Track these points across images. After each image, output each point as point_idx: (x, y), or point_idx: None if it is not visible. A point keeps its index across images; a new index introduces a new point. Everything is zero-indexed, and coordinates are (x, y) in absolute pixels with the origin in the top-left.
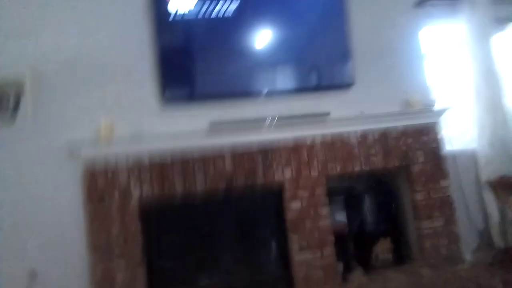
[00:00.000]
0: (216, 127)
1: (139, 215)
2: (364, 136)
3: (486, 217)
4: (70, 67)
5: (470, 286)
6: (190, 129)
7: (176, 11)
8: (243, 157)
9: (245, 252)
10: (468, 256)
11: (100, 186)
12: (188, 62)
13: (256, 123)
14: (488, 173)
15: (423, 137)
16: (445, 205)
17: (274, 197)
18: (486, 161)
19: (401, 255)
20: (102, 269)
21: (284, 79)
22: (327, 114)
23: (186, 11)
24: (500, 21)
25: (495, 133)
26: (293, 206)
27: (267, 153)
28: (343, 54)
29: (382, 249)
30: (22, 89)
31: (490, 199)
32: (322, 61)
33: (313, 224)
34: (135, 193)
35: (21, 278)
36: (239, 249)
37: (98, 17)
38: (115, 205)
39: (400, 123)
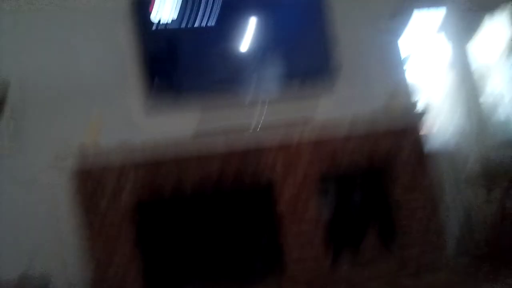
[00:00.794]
0: (200, 134)
1: (128, 217)
2: (347, 138)
3: (468, 214)
4: (53, 86)
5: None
6: (176, 135)
7: (159, 21)
8: (230, 157)
9: (234, 247)
10: (449, 251)
11: (91, 194)
12: (171, 69)
13: (242, 128)
14: (468, 169)
15: (406, 138)
16: (427, 202)
17: (263, 197)
18: (465, 158)
19: (388, 239)
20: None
21: (267, 84)
22: (310, 117)
23: (169, 21)
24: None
25: (474, 130)
26: (283, 202)
27: (253, 154)
28: (325, 58)
29: (368, 242)
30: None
31: (471, 195)
32: (305, 66)
33: (303, 218)
34: (125, 198)
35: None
36: (228, 244)
37: (79, 34)
38: (104, 207)
39: (382, 125)
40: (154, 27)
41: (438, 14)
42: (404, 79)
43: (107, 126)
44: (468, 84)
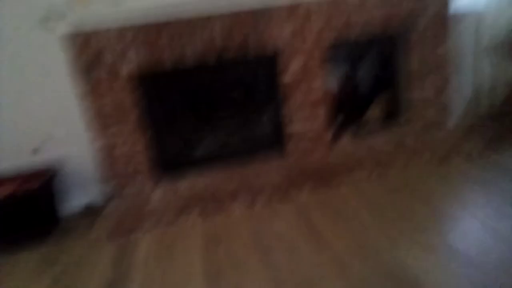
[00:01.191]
0: None
1: (130, 86)
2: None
3: (478, 83)
4: None
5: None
6: None
7: None
8: (235, 19)
9: (238, 121)
10: (451, 123)
11: (85, 57)
12: None
13: None
14: (491, 36)
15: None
16: (439, 72)
17: (269, 66)
18: (491, 23)
19: (391, 119)
20: (102, 144)
21: None
22: None
23: None
24: None
25: None
26: (290, 71)
27: (260, 15)
28: None
29: (372, 116)
30: None
31: (486, 64)
32: None
33: (308, 89)
34: (123, 65)
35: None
36: (232, 117)
37: None
38: (104, 76)
39: None
40: None
41: None
42: None
43: None
44: None
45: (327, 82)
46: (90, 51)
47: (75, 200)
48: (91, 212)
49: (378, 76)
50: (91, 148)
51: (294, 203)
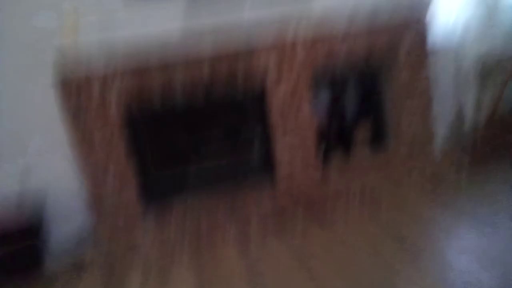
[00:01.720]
0: (187, 32)
1: (119, 125)
2: (347, 31)
3: (460, 108)
4: None
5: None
6: (160, 32)
7: None
8: (222, 59)
9: (228, 148)
10: (435, 147)
11: (75, 97)
12: None
13: (232, 25)
14: (472, 57)
15: (409, 30)
16: (422, 98)
17: (257, 94)
18: (469, 52)
19: (379, 140)
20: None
21: None
22: (306, 12)
23: None
24: None
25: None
26: (277, 98)
27: (248, 53)
28: None
29: (359, 139)
30: None
31: (468, 90)
32: None
33: (296, 116)
34: (113, 103)
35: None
36: (221, 146)
37: None
38: (94, 115)
39: (382, 20)
40: None
41: None
42: None
43: (84, 24)
44: None
45: (313, 109)
46: (79, 97)
47: (62, 238)
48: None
49: (362, 102)
50: (78, 183)
51: (287, 244)
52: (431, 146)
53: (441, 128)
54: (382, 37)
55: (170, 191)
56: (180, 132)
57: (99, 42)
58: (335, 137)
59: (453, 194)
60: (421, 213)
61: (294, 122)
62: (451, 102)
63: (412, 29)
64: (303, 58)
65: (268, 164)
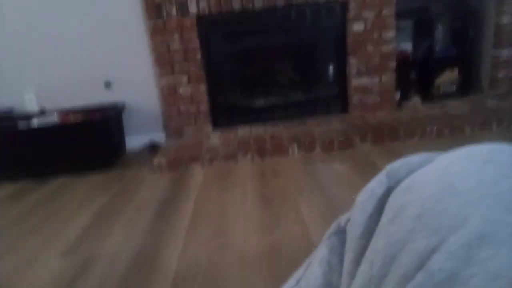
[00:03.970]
0: None
1: (197, 32)
2: None
3: None
4: None
5: None
6: None
7: None
8: None
9: (302, 73)
10: None
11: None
12: None
13: None
14: None
15: None
16: None
17: (337, 17)
18: None
19: (467, 87)
20: (167, 83)
21: None
22: None
23: None
24: None
25: None
26: (356, 28)
27: None
28: None
29: (447, 79)
30: None
31: None
32: None
33: (375, 48)
34: (192, 7)
35: (98, 86)
36: (296, 69)
37: None
38: (173, 20)
39: None
40: None
41: None
42: None
43: None
44: None
45: (398, 40)
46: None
47: (140, 136)
48: (153, 147)
49: (457, 36)
50: (156, 88)
51: (356, 150)
52: None
53: None
54: None
55: (242, 108)
56: (254, 66)
57: None
58: (422, 73)
59: None
60: None
61: (378, 46)
62: None
63: None
64: None
65: (344, 88)
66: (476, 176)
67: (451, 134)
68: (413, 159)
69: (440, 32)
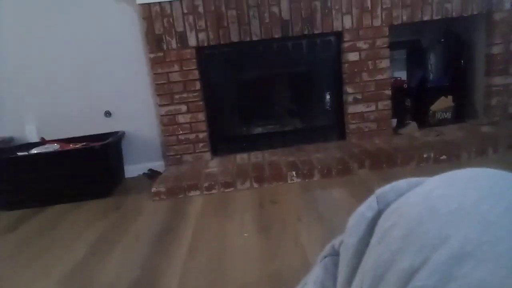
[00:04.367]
0: None
1: (196, 63)
2: None
3: None
4: None
5: None
6: None
7: None
8: (300, 2)
9: (299, 102)
10: None
11: (158, 30)
12: None
13: None
14: None
15: None
16: None
17: (332, 48)
18: None
19: (461, 115)
20: (166, 112)
21: None
22: None
23: None
24: None
25: None
26: (351, 58)
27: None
28: None
29: (441, 107)
30: None
31: None
32: None
33: (371, 77)
34: (192, 39)
35: (98, 116)
36: (293, 98)
37: None
38: (173, 52)
39: None
40: None
41: None
42: None
43: None
44: None
45: (392, 70)
46: (162, 28)
47: (139, 165)
48: (152, 175)
49: (449, 65)
50: (155, 117)
51: (354, 176)
52: None
53: None
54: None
55: (241, 135)
56: (252, 95)
57: None
58: (417, 100)
59: None
60: None
61: (373, 74)
62: None
63: None
64: (381, 22)
65: (341, 115)
66: (458, 199)
67: (448, 160)
68: (402, 183)
69: (432, 62)
